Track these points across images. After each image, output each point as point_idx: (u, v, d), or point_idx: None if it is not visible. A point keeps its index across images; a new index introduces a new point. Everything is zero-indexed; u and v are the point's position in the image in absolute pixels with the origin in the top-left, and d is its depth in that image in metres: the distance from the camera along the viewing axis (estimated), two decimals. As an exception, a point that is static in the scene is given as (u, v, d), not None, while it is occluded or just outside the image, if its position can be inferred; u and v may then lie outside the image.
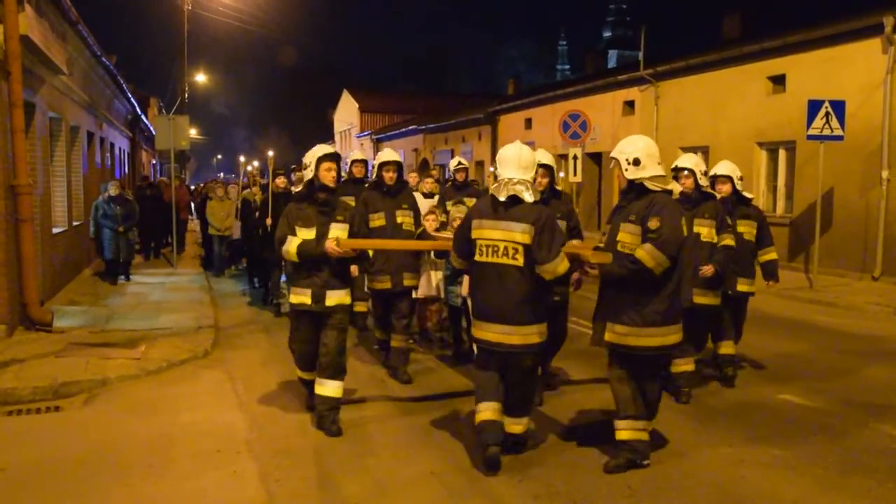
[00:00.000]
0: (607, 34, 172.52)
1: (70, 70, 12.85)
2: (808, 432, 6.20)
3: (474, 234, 5.38)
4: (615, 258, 5.16)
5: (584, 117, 17.20)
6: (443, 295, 8.65)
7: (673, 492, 5.01)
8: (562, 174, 15.73)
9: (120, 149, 24.17)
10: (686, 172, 6.98)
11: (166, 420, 6.60)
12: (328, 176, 6.20)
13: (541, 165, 6.36)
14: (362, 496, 4.96)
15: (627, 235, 5.26)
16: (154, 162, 41.58)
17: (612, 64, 69.19)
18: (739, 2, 24.77)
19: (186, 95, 28.68)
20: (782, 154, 17.51)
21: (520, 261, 5.21)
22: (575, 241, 6.27)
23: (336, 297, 6.19)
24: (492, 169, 5.91)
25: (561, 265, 5.19)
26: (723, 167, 7.72)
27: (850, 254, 15.20)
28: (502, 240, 5.25)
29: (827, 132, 13.85)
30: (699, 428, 6.33)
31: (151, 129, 28.96)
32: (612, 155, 5.46)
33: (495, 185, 5.38)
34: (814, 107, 13.92)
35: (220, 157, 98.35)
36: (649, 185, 5.22)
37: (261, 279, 13.36)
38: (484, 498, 4.93)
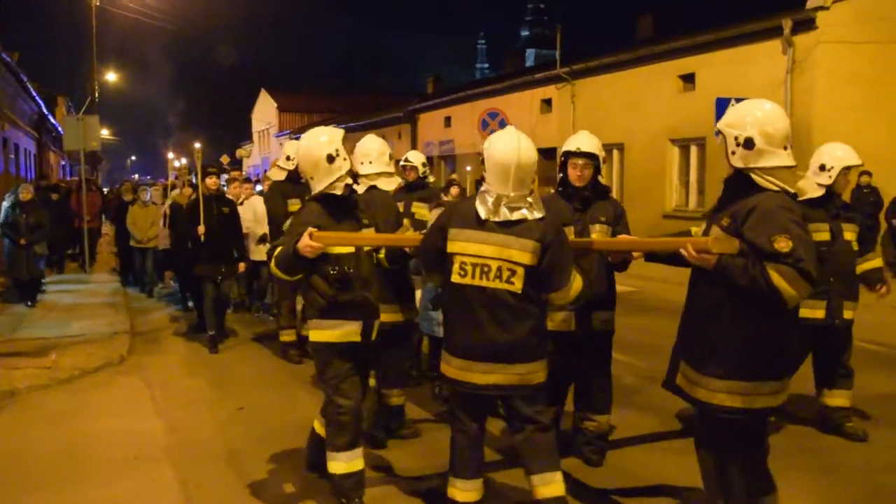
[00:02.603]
0: (525, 33, 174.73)
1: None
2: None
3: (452, 247, 4.07)
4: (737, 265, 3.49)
5: (502, 115, 17.38)
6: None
7: None
8: (468, 168, 15.85)
9: (25, 150, 23.33)
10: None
11: (80, 429, 6.41)
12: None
13: (583, 154, 5.07)
14: (283, 499, 4.94)
15: None
16: (63, 163, 40.20)
17: (530, 62, 69.91)
18: (652, 3, 25.46)
19: (97, 94, 27.83)
20: (694, 150, 18.10)
21: (517, 285, 3.95)
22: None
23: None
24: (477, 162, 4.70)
25: (574, 287, 4.09)
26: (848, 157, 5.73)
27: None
28: (495, 258, 3.95)
29: (735, 129, 14.38)
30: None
31: (60, 129, 28.02)
32: (718, 126, 3.77)
33: (482, 193, 4.06)
34: (721, 104, 14.38)
35: (133, 157, 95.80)
36: (759, 179, 3.56)
37: (195, 301, 10.56)
38: None
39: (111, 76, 37.00)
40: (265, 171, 11.36)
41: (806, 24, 14.85)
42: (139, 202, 13.21)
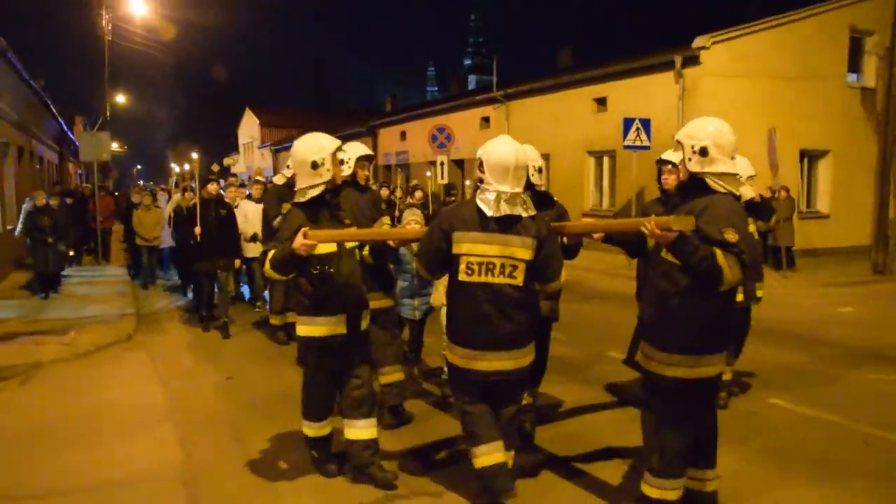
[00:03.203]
0: (468, 62, 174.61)
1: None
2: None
3: (459, 249, 3.79)
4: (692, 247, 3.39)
5: (449, 130, 17.38)
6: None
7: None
8: (428, 173, 15.87)
9: (48, 161, 22.92)
10: (670, 167, 5.08)
11: (95, 397, 6.36)
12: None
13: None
14: (268, 453, 4.96)
15: None
16: (80, 172, 39.31)
17: (472, 86, 69.96)
18: (572, 37, 25.73)
19: (108, 114, 27.23)
20: (606, 161, 18.36)
21: (518, 279, 3.76)
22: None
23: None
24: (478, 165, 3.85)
25: (562, 278, 3.96)
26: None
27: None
28: (499, 256, 3.74)
29: (638, 143, 14.67)
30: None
31: (77, 143, 27.45)
32: (677, 138, 3.67)
33: (481, 192, 3.80)
34: (628, 123, 14.71)
35: (139, 167, 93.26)
36: (712, 183, 3.53)
37: (195, 293, 10.16)
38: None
39: (120, 98, 36.34)
40: (249, 177, 11.24)
41: (692, 60, 15.17)
42: (143, 206, 12.73)
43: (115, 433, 5.42)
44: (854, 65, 17.07)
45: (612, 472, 4.51)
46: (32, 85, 15.48)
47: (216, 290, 8.91)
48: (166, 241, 12.41)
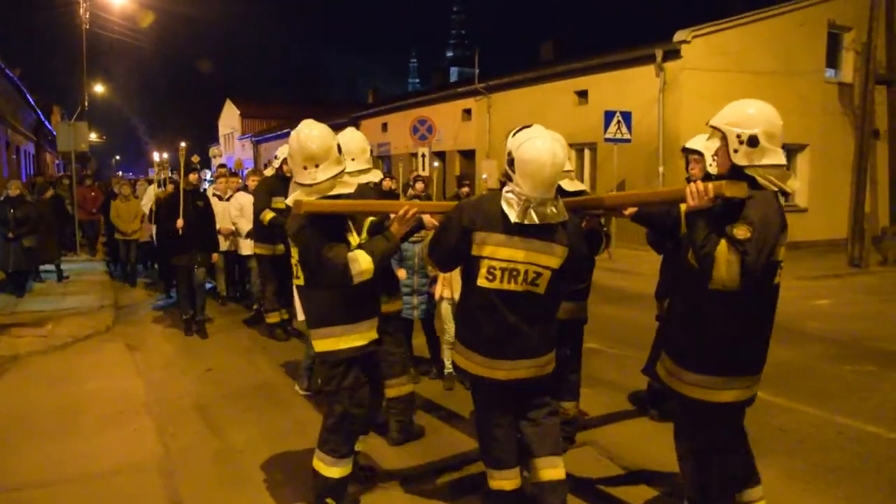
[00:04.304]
0: (450, 54, 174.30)
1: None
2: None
3: (480, 251, 3.32)
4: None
5: (430, 122, 17.35)
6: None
7: None
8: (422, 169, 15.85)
9: (25, 151, 22.57)
10: (696, 157, 4.57)
11: (73, 388, 6.30)
12: None
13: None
14: (246, 444, 4.94)
15: None
16: (58, 162, 38.73)
17: (453, 78, 69.93)
18: (554, 31, 25.78)
19: (87, 103, 26.86)
20: (587, 153, 18.43)
21: (541, 287, 3.34)
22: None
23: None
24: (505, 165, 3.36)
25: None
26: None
27: (638, 231, 16.15)
28: (524, 262, 3.29)
29: (619, 136, 14.77)
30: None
31: (54, 133, 27.04)
32: (713, 124, 3.12)
33: (509, 190, 3.28)
34: (609, 116, 14.80)
35: (118, 157, 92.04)
36: (761, 179, 3.01)
37: (176, 290, 9.55)
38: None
39: (99, 87, 35.80)
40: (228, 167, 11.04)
41: (673, 53, 15.29)
42: (121, 196, 11.80)
43: (93, 425, 5.37)
44: (832, 60, 17.32)
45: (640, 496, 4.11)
46: (8, 74, 15.19)
47: (188, 285, 8.14)
48: (146, 234, 11.70)
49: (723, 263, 2.87)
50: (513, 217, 3.22)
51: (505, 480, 3.48)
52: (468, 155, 22.92)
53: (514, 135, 3.28)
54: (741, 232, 2.87)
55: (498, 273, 3.29)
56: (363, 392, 3.66)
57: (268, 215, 7.43)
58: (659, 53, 15.36)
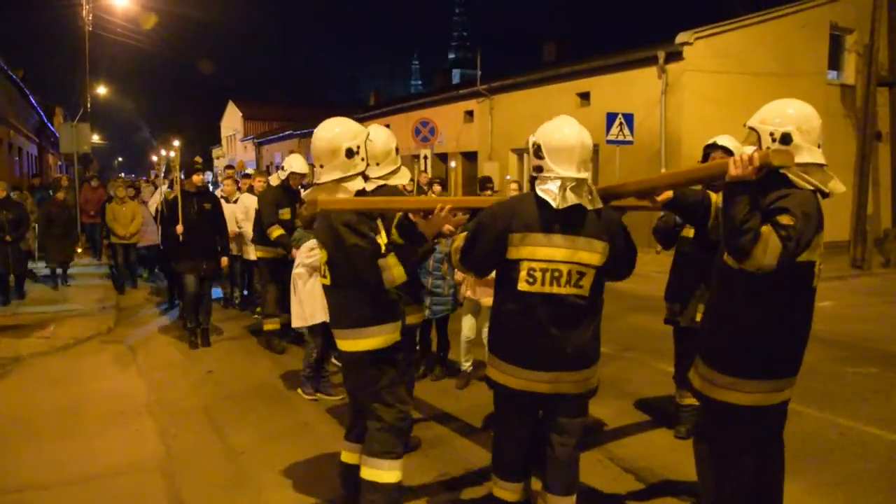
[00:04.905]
0: (452, 56, 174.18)
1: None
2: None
3: (519, 253, 3.13)
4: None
5: (432, 124, 17.33)
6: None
7: None
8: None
9: (28, 153, 22.62)
10: (721, 153, 4.47)
11: (75, 389, 6.31)
12: None
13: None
14: (247, 445, 4.94)
15: None
16: (60, 164, 38.81)
17: (455, 80, 69.92)
18: (556, 32, 25.81)
19: (89, 105, 26.94)
20: (588, 155, 18.37)
21: (585, 289, 3.15)
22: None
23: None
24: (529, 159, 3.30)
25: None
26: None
27: (638, 231, 16.16)
28: (565, 261, 3.10)
29: (621, 138, 14.74)
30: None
31: (57, 134, 27.09)
32: (749, 125, 3.10)
33: (541, 182, 3.14)
34: (611, 118, 14.76)
35: (120, 159, 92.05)
36: (796, 178, 2.89)
37: (179, 295, 9.30)
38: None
39: (101, 89, 35.83)
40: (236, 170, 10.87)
41: (675, 55, 15.25)
42: (116, 199, 11.25)
43: (95, 426, 5.37)
44: (834, 62, 17.28)
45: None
46: (11, 76, 15.24)
47: (193, 294, 7.61)
48: (148, 238, 11.38)
49: (766, 243, 2.75)
50: (553, 203, 3.04)
51: (507, 492, 3.38)
52: (470, 157, 22.93)
53: (534, 135, 3.24)
54: (784, 218, 2.77)
55: (538, 275, 3.09)
56: (403, 389, 3.60)
57: (275, 232, 7.12)
58: (661, 55, 15.34)
